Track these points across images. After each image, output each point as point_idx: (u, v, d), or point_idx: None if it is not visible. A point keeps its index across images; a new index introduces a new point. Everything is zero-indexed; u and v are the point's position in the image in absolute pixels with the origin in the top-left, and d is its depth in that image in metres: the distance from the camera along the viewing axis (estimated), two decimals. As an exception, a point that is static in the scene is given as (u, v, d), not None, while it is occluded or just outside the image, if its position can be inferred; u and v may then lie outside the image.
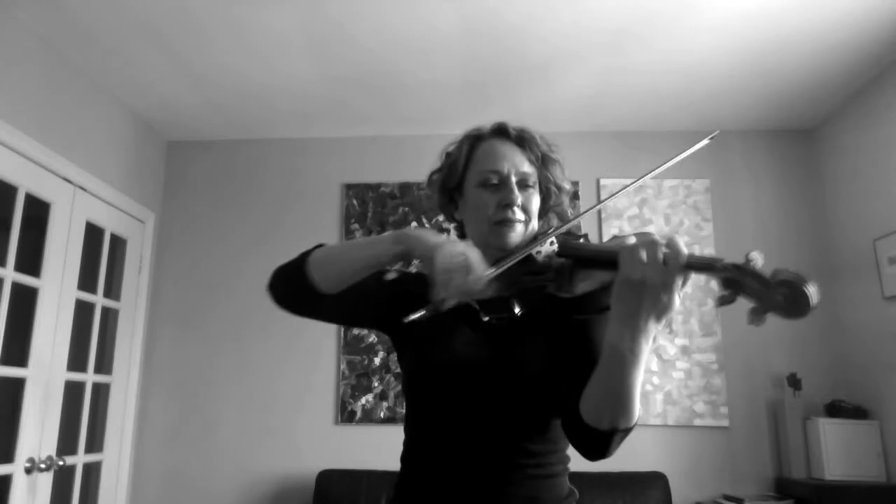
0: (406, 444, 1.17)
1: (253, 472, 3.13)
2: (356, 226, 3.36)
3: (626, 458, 3.01)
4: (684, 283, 0.83)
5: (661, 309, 0.83)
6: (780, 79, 2.89)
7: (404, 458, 1.16)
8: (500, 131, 1.18)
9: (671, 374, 3.13)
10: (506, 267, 0.93)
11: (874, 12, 2.41)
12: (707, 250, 3.23)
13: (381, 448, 2.95)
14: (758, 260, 0.74)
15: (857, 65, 2.77)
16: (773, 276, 0.72)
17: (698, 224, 3.28)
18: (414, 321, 0.90)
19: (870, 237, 2.88)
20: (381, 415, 3.11)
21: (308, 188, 3.44)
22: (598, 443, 0.94)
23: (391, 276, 1.22)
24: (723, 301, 0.77)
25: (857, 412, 2.84)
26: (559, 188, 1.18)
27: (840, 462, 2.74)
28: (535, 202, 1.14)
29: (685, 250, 0.81)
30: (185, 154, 3.54)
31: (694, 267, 0.80)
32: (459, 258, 0.89)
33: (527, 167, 1.13)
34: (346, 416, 3.14)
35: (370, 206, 3.38)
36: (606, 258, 0.88)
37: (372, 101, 3.14)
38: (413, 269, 1.25)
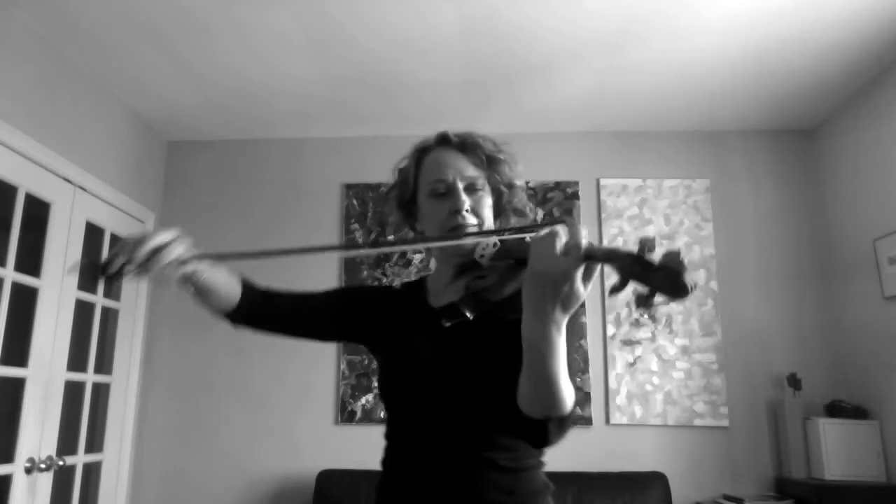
0: (385, 448, 1.22)
1: (253, 472, 3.13)
2: (356, 226, 3.36)
3: (626, 458, 3.02)
4: (589, 274, 0.83)
5: (565, 298, 0.83)
6: (779, 79, 2.89)
7: (384, 461, 1.21)
8: (444, 140, 1.21)
9: (671, 374, 3.13)
10: (218, 255, 1.08)
11: (874, 12, 2.41)
12: (707, 250, 3.24)
13: (381, 448, 2.94)
14: (652, 246, 0.76)
15: (857, 65, 2.77)
16: (660, 262, 0.75)
17: (698, 224, 3.28)
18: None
19: (870, 237, 2.88)
20: (381, 415, 3.10)
21: (308, 188, 3.44)
22: (537, 431, 0.95)
23: (367, 286, 1.30)
24: (614, 290, 0.79)
25: (857, 412, 2.84)
26: (510, 185, 1.21)
27: (840, 462, 2.74)
28: (486, 204, 1.17)
29: (584, 241, 0.81)
30: (185, 154, 3.54)
31: (594, 257, 0.81)
32: (140, 237, 1.03)
33: (472, 171, 1.17)
34: (346, 416, 3.14)
35: (370, 206, 3.38)
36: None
37: (372, 101, 3.14)
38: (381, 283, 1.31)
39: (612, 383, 3.13)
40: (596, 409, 3.11)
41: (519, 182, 1.23)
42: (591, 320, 3.21)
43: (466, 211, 1.13)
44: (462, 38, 2.60)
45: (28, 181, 2.45)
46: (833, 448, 2.75)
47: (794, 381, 2.96)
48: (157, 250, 1.03)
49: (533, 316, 0.86)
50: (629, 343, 3.17)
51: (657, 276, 0.74)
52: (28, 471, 2.39)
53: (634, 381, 3.13)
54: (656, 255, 0.76)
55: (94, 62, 2.75)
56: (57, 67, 2.65)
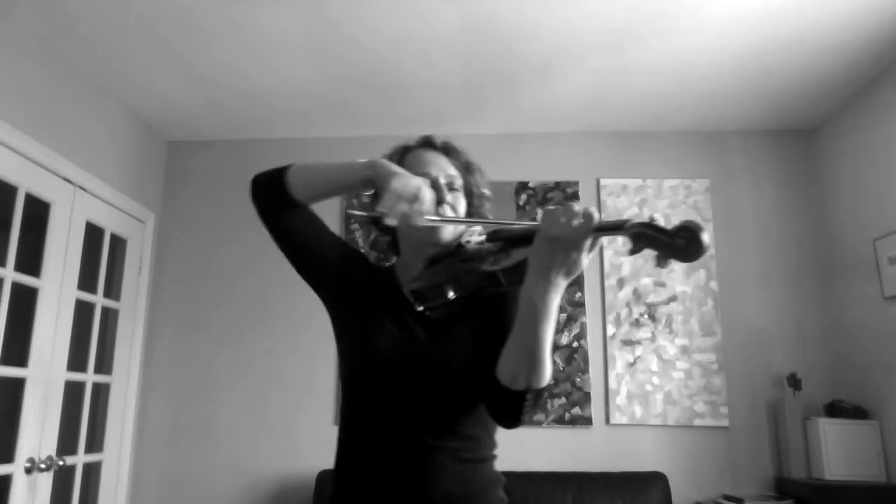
0: (341, 432, 1.23)
1: (253, 472, 3.13)
2: (356, 226, 3.36)
3: (626, 458, 3.03)
4: (593, 245, 0.93)
5: (570, 265, 0.92)
6: (780, 79, 2.89)
7: (340, 441, 1.22)
8: (427, 142, 1.29)
9: (671, 374, 3.13)
10: (449, 220, 1.08)
11: (874, 12, 2.41)
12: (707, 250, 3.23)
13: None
14: (660, 219, 0.85)
15: (857, 65, 2.77)
16: (678, 224, 0.83)
17: (698, 224, 3.28)
18: (355, 217, 1.02)
19: (870, 237, 2.88)
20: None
21: (308, 188, 3.43)
22: (512, 404, 1.01)
23: (356, 249, 1.32)
24: (632, 252, 0.88)
25: (857, 412, 2.84)
26: (482, 194, 1.30)
27: (840, 462, 2.74)
28: (462, 204, 1.24)
29: (597, 216, 0.90)
30: (185, 154, 3.54)
31: (604, 229, 0.90)
32: (413, 188, 1.02)
33: (453, 171, 1.25)
34: (346, 416, 3.14)
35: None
36: (526, 234, 1.00)
37: (372, 101, 3.14)
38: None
39: (612, 383, 3.13)
40: (596, 409, 3.11)
41: (488, 192, 1.31)
42: (591, 320, 3.21)
43: (447, 204, 1.18)
44: (462, 38, 2.60)
45: (28, 181, 2.45)
46: (833, 448, 2.75)
47: (794, 381, 2.96)
48: (420, 213, 1.03)
49: (537, 277, 0.93)
50: (629, 343, 3.17)
51: (675, 238, 0.82)
52: (28, 471, 2.39)
53: (634, 381, 3.13)
54: (666, 224, 0.84)
55: (94, 62, 2.75)
56: (57, 67, 2.65)
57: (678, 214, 3.30)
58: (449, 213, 1.18)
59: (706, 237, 0.81)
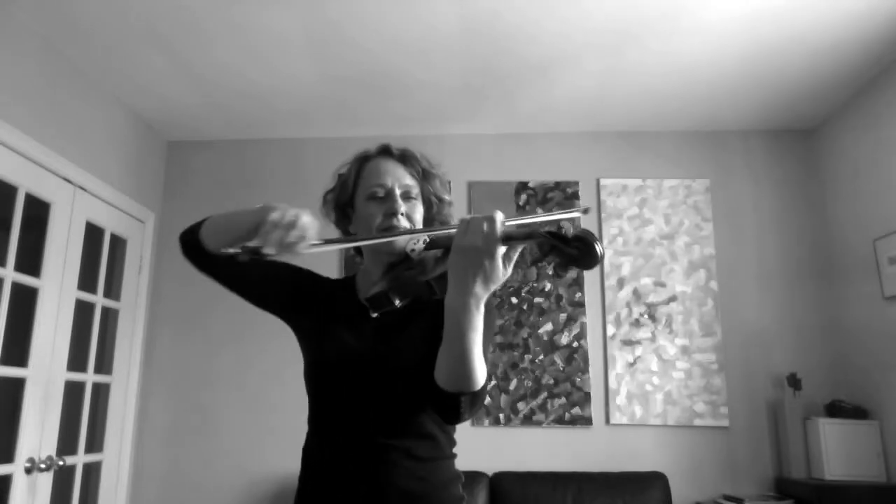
0: (307, 433, 1.25)
1: (253, 472, 3.13)
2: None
3: (626, 458, 3.02)
4: (509, 254, 0.94)
5: (486, 273, 0.92)
6: (779, 79, 2.90)
7: (305, 448, 1.25)
8: (385, 151, 1.32)
9: (671, 374, 3.13)
10: (332, 240, 1.10)
11: (874, 12, 2.41)
12: (707, 250, 3.24)
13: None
14: (568, 228, 0.88)
15: (857, 65, 2.77)
16: (575, 234, 0.87)
17: (698, 224, 3.28)
18: (232, 256, 1.01)
19: (870, 237, 2.88)
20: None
21: (308, 188, 3.42)
22: (450, 404, 1.04)
23: (306, 269, 1.36)
24: (535, 261, 0.92)
25: (857, 412, 2.84)
26: (440, 199, 1.31)
27: (840, 462, 2.74)
28: (419, 212, 1.27)
29: (500, 222, 0.92)
30: (185, 154, 3.54)
31: (513, 237, 0.92)
32: (290, 216, 1.02)
33: (409, 180, 1.27)
34: (346, 416, 3.14)
35: (370, 206, 3.38)
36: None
37: (372, 101, 3.14)
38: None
39: (612, 383, 3.13)
40: (596, 409, 3.11)
41: (448, 198, 1.33)
42: (591, 320, 3.21)
43: (402, 214, 1.22)
44: (462, 39, 2.60)
45: (28, 181, 2.45)
46: (833, 448, 2.75)
47: (794, 381, 2.96)
48: (300, 239, 1.03)
49: (456, 288, 0.94)
50: (629, 343, 3.17)
51: (573, 247, 0.87)
52: (28, 471, 2.39)
53: (634, 381, 3.13)
54: (569, 232, 0.90)
55: (94, 62, 2.75)
56: (57, 67, 2.65)
57: (678, 214, 3.30)
58: (404, 222, 1.21)
59: (599, 247, 0.85)
